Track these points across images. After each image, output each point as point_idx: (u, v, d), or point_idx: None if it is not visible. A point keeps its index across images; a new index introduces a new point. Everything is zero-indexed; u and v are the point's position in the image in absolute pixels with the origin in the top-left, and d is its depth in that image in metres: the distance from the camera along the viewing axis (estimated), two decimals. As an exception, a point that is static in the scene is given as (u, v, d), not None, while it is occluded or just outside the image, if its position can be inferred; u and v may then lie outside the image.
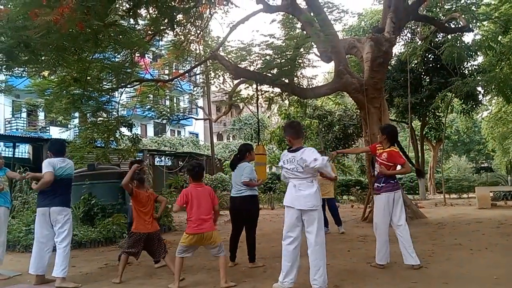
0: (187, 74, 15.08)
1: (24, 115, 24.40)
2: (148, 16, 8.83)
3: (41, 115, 22.56)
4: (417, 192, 20.22)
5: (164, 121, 16.50)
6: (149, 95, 12.39)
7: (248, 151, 5.47)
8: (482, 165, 33.61)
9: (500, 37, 13.39)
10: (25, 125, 24.45)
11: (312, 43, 9.99)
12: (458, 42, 13.61)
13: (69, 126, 14.05)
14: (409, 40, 17.54)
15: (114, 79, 9.46)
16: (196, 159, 19.92)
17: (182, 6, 8.01)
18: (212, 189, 4.67)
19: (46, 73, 8.98)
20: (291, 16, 11.16)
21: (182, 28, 11.30)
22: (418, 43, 15.60)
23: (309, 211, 3.96)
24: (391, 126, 5.50)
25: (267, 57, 9.72)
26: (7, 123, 23.97)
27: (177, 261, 4.38)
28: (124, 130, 10.58)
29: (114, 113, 10.53)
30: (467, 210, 12.32)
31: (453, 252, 5.69)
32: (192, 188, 4.45)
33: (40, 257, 4.72)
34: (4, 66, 7.10)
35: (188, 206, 4.37)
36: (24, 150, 16.87)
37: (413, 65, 16.57)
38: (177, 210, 4.53)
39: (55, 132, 20.20)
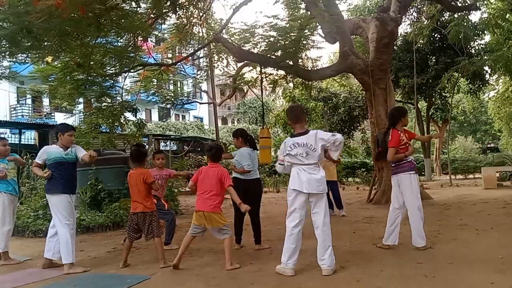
0: (190, 57, 14.98)
1: (29, 101, 24.49)
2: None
3: (46, 101, 22.62)
4: (423, 173, 20.23)
5: (169, 106, 16.50)
6: (153, 79, 12.35)
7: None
8: (489, 146, 33.44)
9: (507, 15, 13.16)
10: (30, 111, 24.54)
11: (317, 23, 9.85)
12: (465, 21, 13.38)
13: (74, 111, 14.08)
14: (415, 20, 17.27)
15: (117, 64, 9.43)
16: (201, 143, 19.95)
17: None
18: (224, 171, 4.49)
19: (49, 58, 8.94)
20: (295, -4, 11.00)
21: (185, 10, 11.18)
22: (424, 23, 15.36)
23: (318, 193, 3.99)
24: (392, 109, 5.47)
25: (271, 39, 9.60)
26: (12, 110, 24.05)
27: (185, 238, 4.51)
28: (128, 115, 10.60)
29: (118, 98, 10.52)
30: (473, 191, 12.32)
31: (459, 232, 5.71)
32: (206, 167, 4.59)
33: (49, 241, 4.80)
34: (7, 53, 7.09)
35: (197, 184, 4.51)
36: (30, 137, 16.98)
37: (419, 45, 16.35)
38: (190, 186, 4.66)
39: (60, 118, 20.24)
